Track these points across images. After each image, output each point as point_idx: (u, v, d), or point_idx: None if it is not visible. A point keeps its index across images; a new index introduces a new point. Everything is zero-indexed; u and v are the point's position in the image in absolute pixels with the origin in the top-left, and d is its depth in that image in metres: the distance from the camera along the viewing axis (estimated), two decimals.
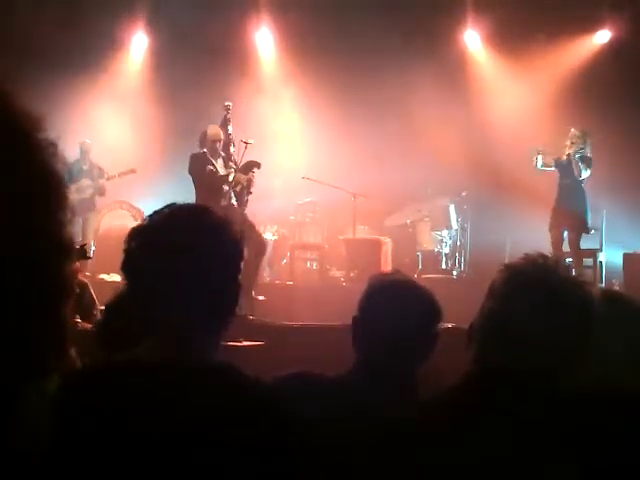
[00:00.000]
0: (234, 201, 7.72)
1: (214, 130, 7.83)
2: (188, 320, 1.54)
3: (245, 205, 7.86)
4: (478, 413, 1.62)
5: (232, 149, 7.91)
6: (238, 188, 7.73)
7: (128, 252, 1.56)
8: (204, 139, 7.78)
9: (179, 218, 1.59)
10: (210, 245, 1.56)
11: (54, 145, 0.92)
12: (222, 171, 7.73)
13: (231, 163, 7.85)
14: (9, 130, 0.88)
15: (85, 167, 9.69)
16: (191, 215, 1.61)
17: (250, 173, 7.78)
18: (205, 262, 1.55)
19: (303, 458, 1.49)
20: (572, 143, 8.61)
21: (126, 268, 1.57)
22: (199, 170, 7.63)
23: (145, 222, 1.60)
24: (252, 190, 7.83)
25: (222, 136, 7.81)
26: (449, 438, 1.61)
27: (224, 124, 7.96)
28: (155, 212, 1.60)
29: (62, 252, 0.92)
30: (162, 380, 1.46)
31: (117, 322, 2.20)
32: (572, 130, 8.72)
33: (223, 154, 7.85)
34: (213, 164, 7.68)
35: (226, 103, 8.06)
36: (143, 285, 1.56)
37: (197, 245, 1.55)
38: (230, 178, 7.68)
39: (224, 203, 7.52)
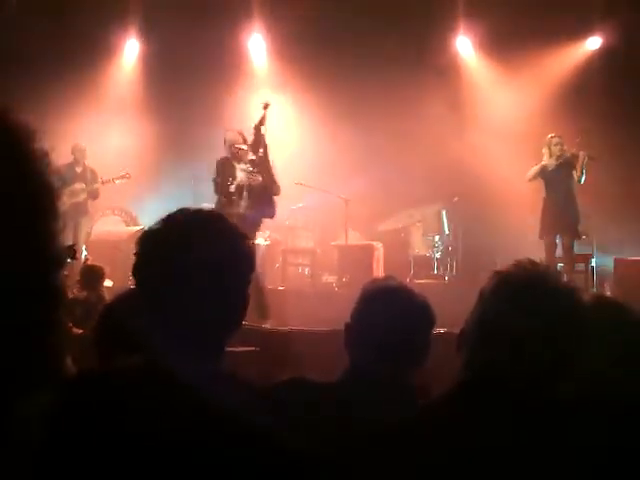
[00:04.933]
0: (242, 209, 7.43)
1: (231, 136, 7.75)
2: (193, 328, 1.52)
3: (266, 206, 7.61)
4: (471, 421, 1.63)
5: (260, 150, 7.63)
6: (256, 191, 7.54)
7: (139, 255, 1.55)
8: (225, 145, 7.73)
9: (192, 224, 1.57)
10: (222, 254, 1.54)
11: (48, 156, 0.94)
12: (240, 175, 7.55)
13: (254, 167, 7.59)
14: (4, 142, 0.89)
15: (79, 170, 9.55)
16: (204, 222, 1.59)
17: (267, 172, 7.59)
18: (216, 271, 1.53)
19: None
20: (561, 146, 8.64)
21: (136, 272, 1.56)
22: (215, 178, 7.63)
23: (158, 226, 1.57)
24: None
25: (241, 139, 7.65)
26: (443, 445, 1.61)
27: (260, 124, 7.69)
28: (168, 216, 1.58)
29: (55, 263, 0.93)
30: (152, 392, 1.42)
31: (115, 325, 2.20)
32: (551, 135, 8.74)
33: (252, 157, 7.60)
34: (230, 170, 7.55)
35: (263, 101, 7.82)
36: (151, 290, 1.54)
37: (209, 253, 1.53)
38: (233, 189, 7.51)
39: (236, 211, 7.32)
